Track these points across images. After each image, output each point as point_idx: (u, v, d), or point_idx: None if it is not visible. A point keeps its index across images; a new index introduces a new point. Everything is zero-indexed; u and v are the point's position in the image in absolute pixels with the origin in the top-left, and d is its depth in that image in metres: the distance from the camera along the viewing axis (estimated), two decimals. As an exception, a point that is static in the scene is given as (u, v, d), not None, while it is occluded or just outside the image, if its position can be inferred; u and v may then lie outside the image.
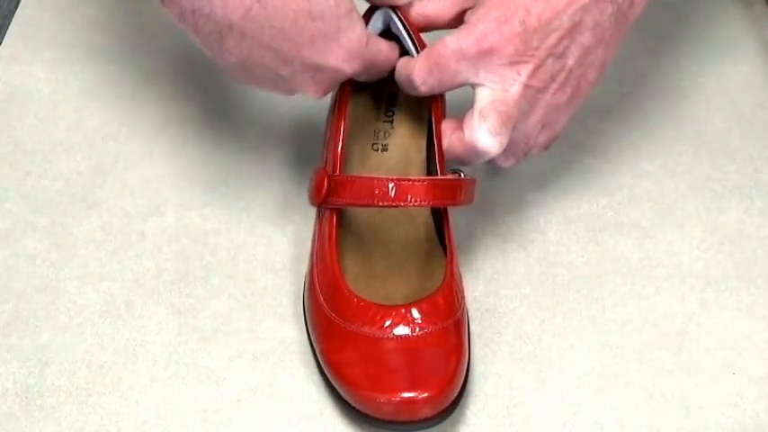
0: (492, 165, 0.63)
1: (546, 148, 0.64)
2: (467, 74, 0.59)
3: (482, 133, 0.58)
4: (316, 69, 0.59)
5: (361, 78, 0.63)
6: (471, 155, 0.59)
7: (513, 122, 0.59)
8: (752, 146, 0.73)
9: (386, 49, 0.62)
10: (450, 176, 0.60)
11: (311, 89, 0.60)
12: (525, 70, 0.58)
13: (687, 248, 0.67)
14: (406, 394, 0.54)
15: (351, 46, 0.58)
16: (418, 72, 0.60)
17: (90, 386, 0.59)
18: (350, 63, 0.59)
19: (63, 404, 0.58)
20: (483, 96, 0.59)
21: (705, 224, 0.68)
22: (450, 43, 0.59)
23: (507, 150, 0.61)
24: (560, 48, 0.59)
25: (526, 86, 0.59)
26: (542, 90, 0.59)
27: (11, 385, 0.59)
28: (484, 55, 0.58)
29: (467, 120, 0.59)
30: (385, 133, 0.66)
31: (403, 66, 0.61)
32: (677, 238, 0.67)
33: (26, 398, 0.58)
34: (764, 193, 0.70)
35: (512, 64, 0.58)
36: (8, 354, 0.60)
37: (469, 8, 0.61)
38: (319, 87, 0.61)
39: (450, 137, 0.60)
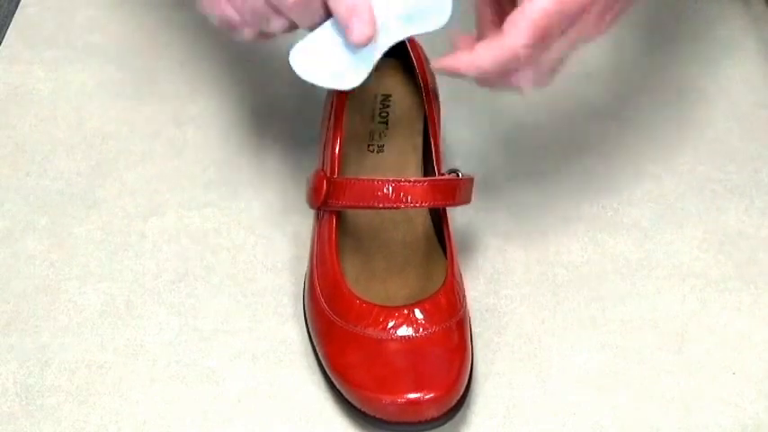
0: (511, 86, 0.57)
1: (553, 70, 0.58)
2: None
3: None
4: None
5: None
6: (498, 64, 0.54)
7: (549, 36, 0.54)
8: (752, 146, 0.73)
9: None
10: (448, 176, 0.60)
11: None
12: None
13: (687, 248, 0.67)
14: (412, 395, 0.53)
15: None
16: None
17: (90, 386, 0.59)
18: None
19: (63, 404, 0.58)
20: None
21: (705, 224, 0.68)
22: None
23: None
24: None
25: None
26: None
27: (11, 385, 0.59)
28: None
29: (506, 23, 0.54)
30: (380, 134, 0.66)
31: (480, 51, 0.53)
32: (677, 238, 0.67)
33: (26, 398, 0.58)
34: (764, 193, 0.70)
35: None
36: (8, 354, 0.60)
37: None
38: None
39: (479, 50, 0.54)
